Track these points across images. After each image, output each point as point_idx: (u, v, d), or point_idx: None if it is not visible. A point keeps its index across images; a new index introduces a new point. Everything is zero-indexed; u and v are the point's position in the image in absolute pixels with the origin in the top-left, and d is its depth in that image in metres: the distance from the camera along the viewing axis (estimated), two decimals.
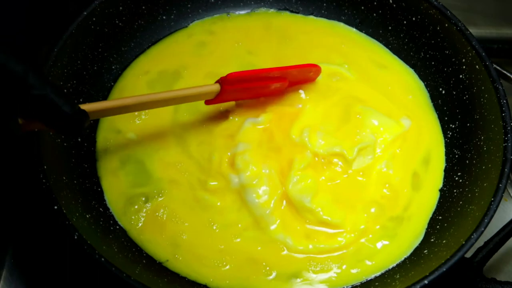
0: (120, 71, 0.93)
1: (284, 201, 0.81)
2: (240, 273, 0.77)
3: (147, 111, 0.87)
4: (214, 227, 0.80)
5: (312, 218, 0.81)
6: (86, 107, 0.66)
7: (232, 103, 0.88)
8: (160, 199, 0.81)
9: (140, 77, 0.92)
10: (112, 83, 0.92)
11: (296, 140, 0.85)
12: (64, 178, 0.77)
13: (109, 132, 0.87)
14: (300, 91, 0.90)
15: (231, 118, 0.87)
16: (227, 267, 0.77)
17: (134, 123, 0.87)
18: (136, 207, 0.80)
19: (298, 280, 0.77)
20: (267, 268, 0.78)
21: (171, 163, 0.84)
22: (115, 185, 0.82)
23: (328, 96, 0.91)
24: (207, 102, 0.82)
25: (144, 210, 0.80)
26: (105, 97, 0.90)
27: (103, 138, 0.86)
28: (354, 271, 0.78)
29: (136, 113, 0.87)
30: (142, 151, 0.85)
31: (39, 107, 0.58)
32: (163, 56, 0.95)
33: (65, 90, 0.83)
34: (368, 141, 0.86)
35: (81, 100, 0.86)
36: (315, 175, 0.83)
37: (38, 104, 0.57)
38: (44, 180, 0.72)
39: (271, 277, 0.77)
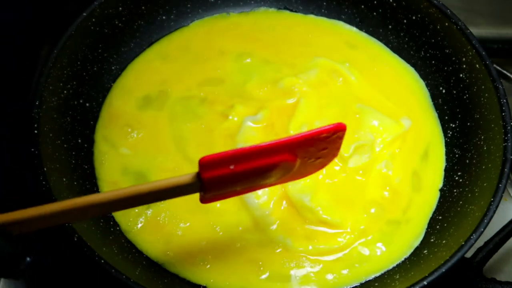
0: (120, 72, 0.93)
1: (284, 202, 0.81)
2: (240, 274, 0.77)
3: (141, 127, 0.87)
4: (214, 229, 0.80)
5: (312, 218, 0.81)
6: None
7: (230, 101, 0.88)
8: (161, 205, 0.81)
9: (140, 78, 0.92)
10: (112, 84, 0.92)
11: None
12: (64, 179, 0.77)
13: (104, 144, 0.86)
14: (304, 88, 0.90)
15: (230, 117, 0.87)
16: (227, 268, 0.77)
17: (131, 138, 0.86)
18: (136, 210, 0.80)
19: (297, 281, 0.77)
20: (266, 269, 0.78)
21: (170, 168, 0.84)
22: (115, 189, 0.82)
23: (328, 93, 0.91)
24: (202, 201, 0.65)
25: (144, 215, 0.80)
26: (104, 98, 0.90)
27: (98, 151, 0.86)
28: (353, 271, 0.79)
29: (130, 129, 0.87)
30: (139, 161, 0.85)
31: None
32: (164, 57, 0.95)
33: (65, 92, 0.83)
34: (365, 139, 0.85)
35: (81, 101, 0.86)
36: (314, 174, 0.83)
37: None
38: (44, 182, 0.72)
39: (270, 278, 0.77)
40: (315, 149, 0.64)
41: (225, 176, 0.60)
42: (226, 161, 0.59)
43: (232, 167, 0.60)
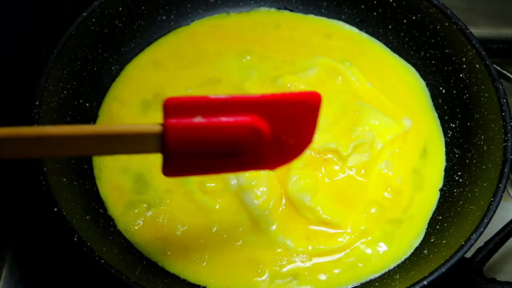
0: (120, 72, 0.92)
1: (284, 202, 0.81)
2: (240, 274, 0.77)
3: None
4: (214, 230, 0.79)
5: (312, 217, 0.80)
6: None
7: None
8: (162, 207, 0.81)
9: (139, 78, 0.92)
10: (112, 84, 0.91)
11: None
12: (64, 179, 0.77)
13: None
14: (302, 86, 0.90)
15: None
16: (227, 268, 0.77)
17: None
18: (136, 211, 0.80)
19: (297, 281, 0.77)
20: (266, 269, 0.78)
21: None
22: (115, 190, 0.82)
23: (328, 91, 0.90)
24: (165, 173, 0.59)
25: (143, 216, 0.80)
26: (104, 98, 0.90)
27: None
28: (353, 271, 0.78)
29: None
30: (139, 161, 0.84)
31: None
32: (162, 58, 0.94)
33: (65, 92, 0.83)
34: (365, 138, 0.85)
35: (81, 101, 0.86)
36: (314, 174, 0.83)
37: None
38: (44, 182, 0.72)
39: (270, 278, 0.77)
40: (286, 121, 0.61)
41: (190, 129, 0.54)
42: (193, 107, 0.54)
43: (198, 118, 0.54)
